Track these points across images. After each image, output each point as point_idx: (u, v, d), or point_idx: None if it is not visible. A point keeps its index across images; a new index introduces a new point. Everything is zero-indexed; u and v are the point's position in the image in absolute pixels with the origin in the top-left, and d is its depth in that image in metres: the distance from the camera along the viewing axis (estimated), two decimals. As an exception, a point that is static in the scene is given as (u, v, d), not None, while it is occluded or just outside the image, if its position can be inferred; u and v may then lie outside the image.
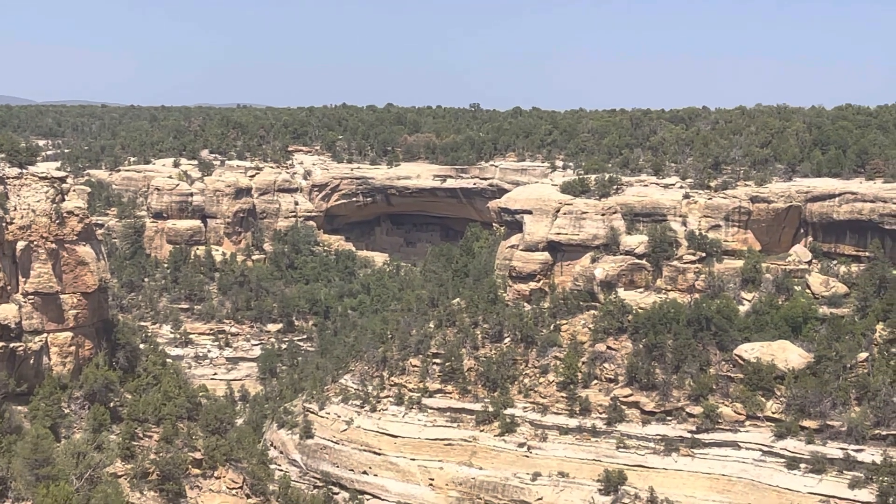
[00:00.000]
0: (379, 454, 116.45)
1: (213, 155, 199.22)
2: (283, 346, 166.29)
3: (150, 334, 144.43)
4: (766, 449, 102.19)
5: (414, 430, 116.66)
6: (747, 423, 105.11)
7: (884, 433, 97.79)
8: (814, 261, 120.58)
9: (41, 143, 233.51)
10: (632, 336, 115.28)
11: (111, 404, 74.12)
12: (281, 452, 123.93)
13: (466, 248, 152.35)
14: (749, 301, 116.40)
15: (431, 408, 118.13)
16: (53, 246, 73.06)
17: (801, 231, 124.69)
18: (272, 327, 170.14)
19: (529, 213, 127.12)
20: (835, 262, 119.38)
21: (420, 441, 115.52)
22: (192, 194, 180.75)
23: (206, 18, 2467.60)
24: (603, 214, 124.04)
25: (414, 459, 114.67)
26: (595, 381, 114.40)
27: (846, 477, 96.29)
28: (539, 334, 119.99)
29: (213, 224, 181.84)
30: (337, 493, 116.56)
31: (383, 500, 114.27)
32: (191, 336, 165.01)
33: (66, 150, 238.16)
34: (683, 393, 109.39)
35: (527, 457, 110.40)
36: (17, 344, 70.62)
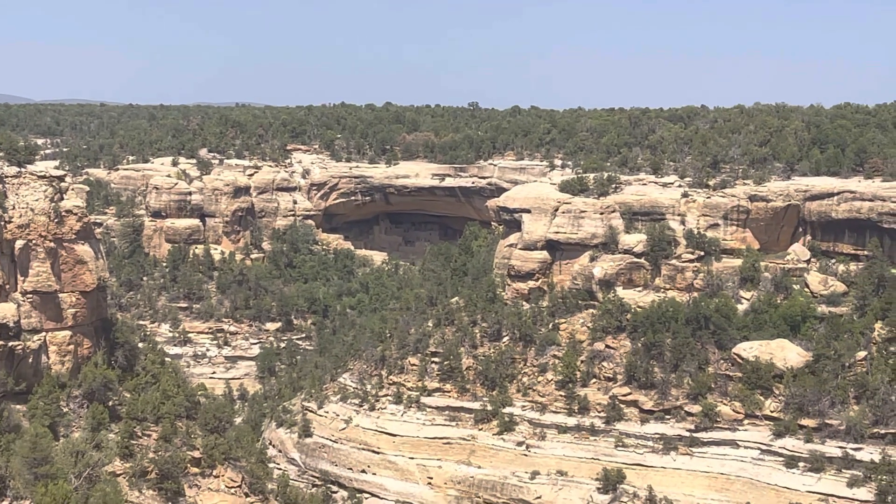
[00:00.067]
0: (378, 453, 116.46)
1: (212, 154, 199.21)
2: (282, 344, 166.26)
3: (148, 333, 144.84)
4: (764, 447, 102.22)
5: (412, 429, 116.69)
6: (746, 421, 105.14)
7: (882, 432, 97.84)
8: (812, 259, 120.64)
9: (40, 141, 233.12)
10: (630, 335, 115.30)
11: (110, 403, 74.09)
12: (280, 451, 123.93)
13: (465, 247, 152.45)
14: (748, 300, 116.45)
15: (430, 406, 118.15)
16: (52, 245, 73.04)
17: (800, 230, 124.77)
18: (271, 326, 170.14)
19: (528, 211, 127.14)
20: (833, 260, 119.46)
21: (419, 440, 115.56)
22: (190, 193, 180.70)
23: (206, 18, 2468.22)
24: (601, 213, 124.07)
25: (412, 458, 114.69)
26: (594, 380, 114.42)
27: (845, 475, 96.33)
28: (538, 333, 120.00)
29: (212, 223, 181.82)
30: (336, 492, 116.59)
31: (382, 498, 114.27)
32: (189, 335, 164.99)
33: (64, 149, 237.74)
34: (682, 392, 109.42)
35: (525, 455, 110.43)
36: (16, 343, 70.62)
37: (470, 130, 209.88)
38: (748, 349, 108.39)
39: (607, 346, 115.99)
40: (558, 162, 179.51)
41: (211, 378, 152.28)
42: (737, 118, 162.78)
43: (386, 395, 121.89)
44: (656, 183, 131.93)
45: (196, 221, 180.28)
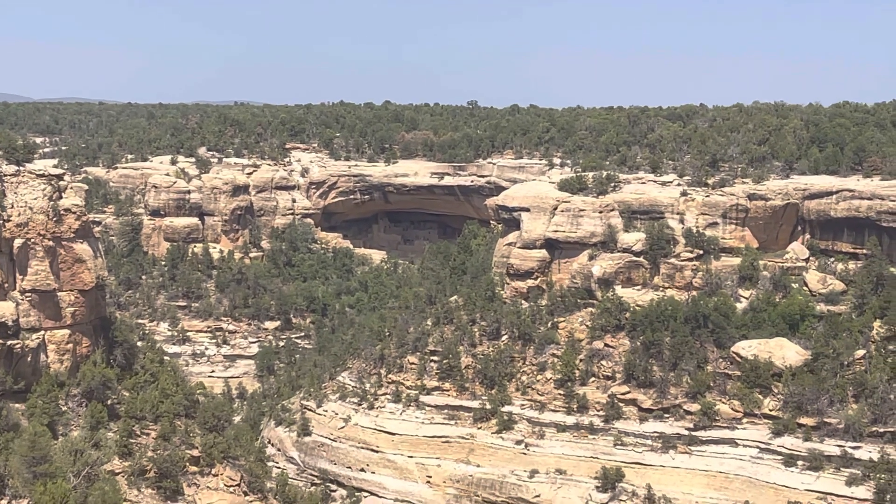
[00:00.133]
0: (376, 451, 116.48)
1: (211, 152, 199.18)
2: (281, 343, 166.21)
3: (147, 332, 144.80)
4: (763, 446, 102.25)
5: (411, 428, 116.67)
6: (744, 420, 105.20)
7: (881, 430, 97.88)
8: (811, 258, 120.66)
9: (38, 140, 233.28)
10: (629, 333, 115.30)
11: (108, 402, 73.98)
12: (278, 450, 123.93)
13: (464, 246, 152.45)
14: (746, 298, 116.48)
15: (429, 405, 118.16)
16: (51, 243, 72.95)
17: (799, 228, 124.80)
18: (270, 325, 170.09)
19: (527, 210, 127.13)
20: (832, 259, 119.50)
21: (417, 438, 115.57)
22: (189, 192, 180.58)
23: (205, 17, 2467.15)
24: (600, 212, 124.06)
25: (411, 457, 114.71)
26: (592, 379, 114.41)
27: (843, 474, 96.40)
28: (537, 332, 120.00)
29: (211, 221, 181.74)
30: (334, 491, 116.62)
31: (381, 497, 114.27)
32: (188, 333, 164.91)
33: (63, 148, 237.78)
34: (681, 390, 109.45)
35: (524, 454, 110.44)
36: (15, 341, 70.52)
37: (469, 129, 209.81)
38: (747, 348, 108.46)
39: (606, 345, 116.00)
40: (557, 160, 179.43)
41: (210, 377, 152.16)
42: (736, 117, 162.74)
43: (385, 394, 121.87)
44: (655, 181, 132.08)
45: (195, 220, 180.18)
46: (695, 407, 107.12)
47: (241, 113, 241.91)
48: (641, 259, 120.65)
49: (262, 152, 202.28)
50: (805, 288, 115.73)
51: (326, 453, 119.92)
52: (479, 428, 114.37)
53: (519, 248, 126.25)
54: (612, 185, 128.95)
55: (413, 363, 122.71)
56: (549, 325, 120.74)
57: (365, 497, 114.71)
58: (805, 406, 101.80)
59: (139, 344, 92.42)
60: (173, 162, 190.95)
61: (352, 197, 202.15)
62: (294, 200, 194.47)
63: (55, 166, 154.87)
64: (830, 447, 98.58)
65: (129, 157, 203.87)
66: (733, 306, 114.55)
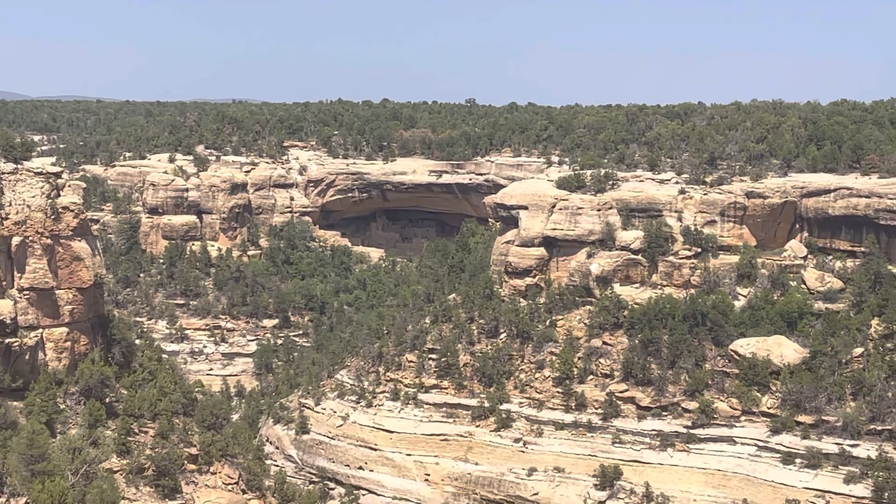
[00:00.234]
0: (375, 449, 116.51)
1: (209, 150, 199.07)
2: (279, 341, 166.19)
3: (145, 330, 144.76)
4: (761, 444, 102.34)
5: (410, 426, 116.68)
6: (743, 418, 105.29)
7: (879, 428, 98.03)
8: (809, 256, 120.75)
9: (36, 138, 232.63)
10: (627, 331, 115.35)
11: (107, 400, 73.91)
12: (277, 448, 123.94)
13: (462, 244, 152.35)
14: (744, 296, 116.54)
15: (427, 403, 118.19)
16: (49, 241, 72.87)
17: (797, 226, 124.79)
18: (268, 323, 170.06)
19: (525, 208, 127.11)
20: (830, 257, 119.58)
21: (416, 436, 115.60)
22: (187, 190, 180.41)
23: (203, 15, 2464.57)
24: (599, 210, 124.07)
25: (410, 455, 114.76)
26: (591, 377, 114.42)
27: (841, 472, 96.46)
28: (535, 330, 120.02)
29: (209, 219, 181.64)
30: (333, 489, 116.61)
31: (379, 495, 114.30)
32: (186, 332, 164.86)
33: (61, 146, 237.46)
34: (679, 388, 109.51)
35: (522, 452, 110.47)
36: (13, 339, 70.46)
37: (467, 127, 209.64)
38: (745, 346, 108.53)
39: (604, 343, 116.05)
40: (555, 158, 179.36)
41: (208, 375, 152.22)
42: (734, 115, 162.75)
43: (383, 392, 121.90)
44: (653, 179, 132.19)
45: (193, 218, 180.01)
46: (693, 405, 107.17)
47: (239, 111, 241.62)
48: (639, 257, 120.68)
49: (260, 150, 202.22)
50: (803, 286, 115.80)
51: (325, 451, 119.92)
52: (477, 426, 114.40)
53: (517, 246, 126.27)
54: (611, 183, 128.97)
55: (411, 361, 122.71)
56: (548, 323, 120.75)
57: (363, 495, 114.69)
58: (803, 404, 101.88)
59: (137, 342, 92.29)
60: (171, 160, 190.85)
61: (350, 195, 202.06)
62: (292, 198, 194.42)
63: (53, 164, 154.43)
64: (828, 445, 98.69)
65: (128, 154, 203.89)
66: (731, 304, 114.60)
